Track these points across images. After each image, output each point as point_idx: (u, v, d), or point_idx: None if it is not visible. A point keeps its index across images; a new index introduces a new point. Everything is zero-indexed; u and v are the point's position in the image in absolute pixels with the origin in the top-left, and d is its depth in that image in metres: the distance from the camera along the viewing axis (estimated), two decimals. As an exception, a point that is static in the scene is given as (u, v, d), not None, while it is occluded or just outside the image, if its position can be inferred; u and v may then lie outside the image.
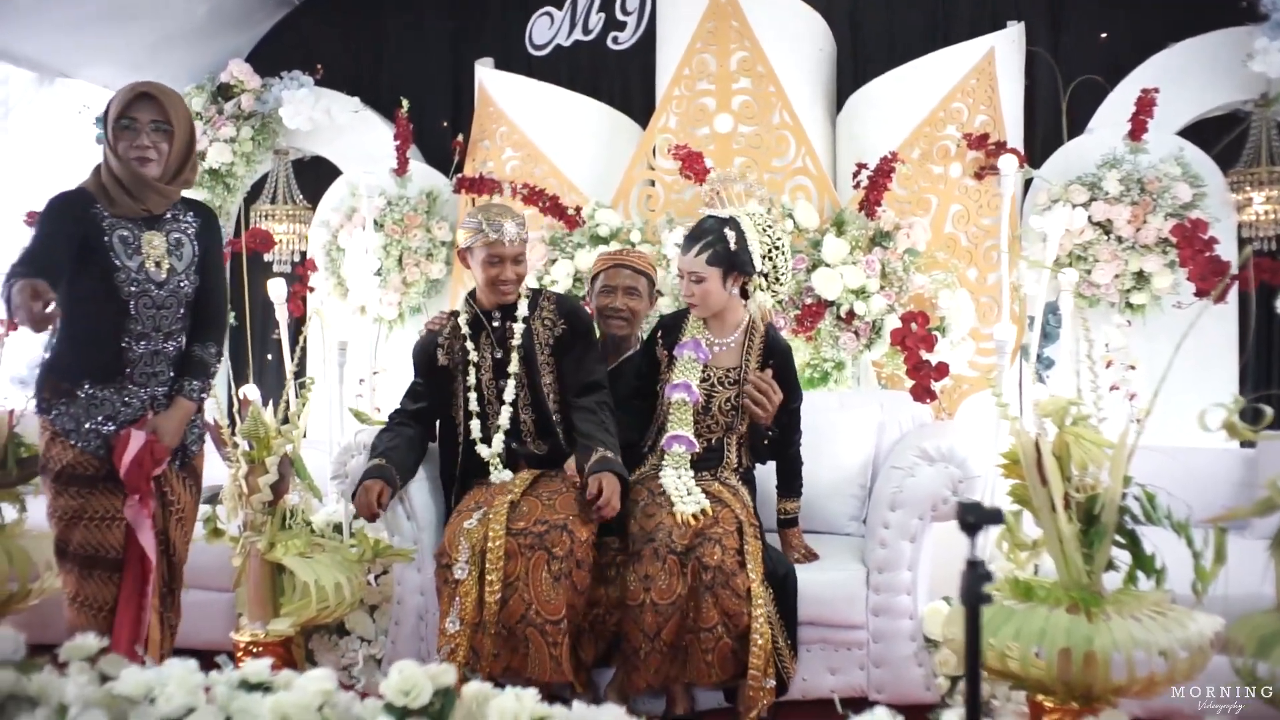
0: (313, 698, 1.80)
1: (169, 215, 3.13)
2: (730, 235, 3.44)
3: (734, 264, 3.45)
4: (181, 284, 3.11)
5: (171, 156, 3.07)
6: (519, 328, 3.54)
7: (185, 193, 3.22)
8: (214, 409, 3.56)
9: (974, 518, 1.56)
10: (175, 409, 3.13)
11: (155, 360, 3.10)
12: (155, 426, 3.07)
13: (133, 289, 3.02)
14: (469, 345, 3.57)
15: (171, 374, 3.15)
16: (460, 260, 3.59)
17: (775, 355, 3.55)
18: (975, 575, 1.55)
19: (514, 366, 3.53)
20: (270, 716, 1.77)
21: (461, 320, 3.61)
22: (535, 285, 3.81)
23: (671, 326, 3.65)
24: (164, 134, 3.05)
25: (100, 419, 3.03)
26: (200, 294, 3.19)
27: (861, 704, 3.43)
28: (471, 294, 3.63)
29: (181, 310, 3.13)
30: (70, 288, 3.00)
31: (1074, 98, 5.30)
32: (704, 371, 3.53)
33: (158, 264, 3.06)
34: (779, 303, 4.41)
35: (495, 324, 3.57)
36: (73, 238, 2.97)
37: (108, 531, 3.04)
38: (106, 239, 3.00)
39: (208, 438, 3.61)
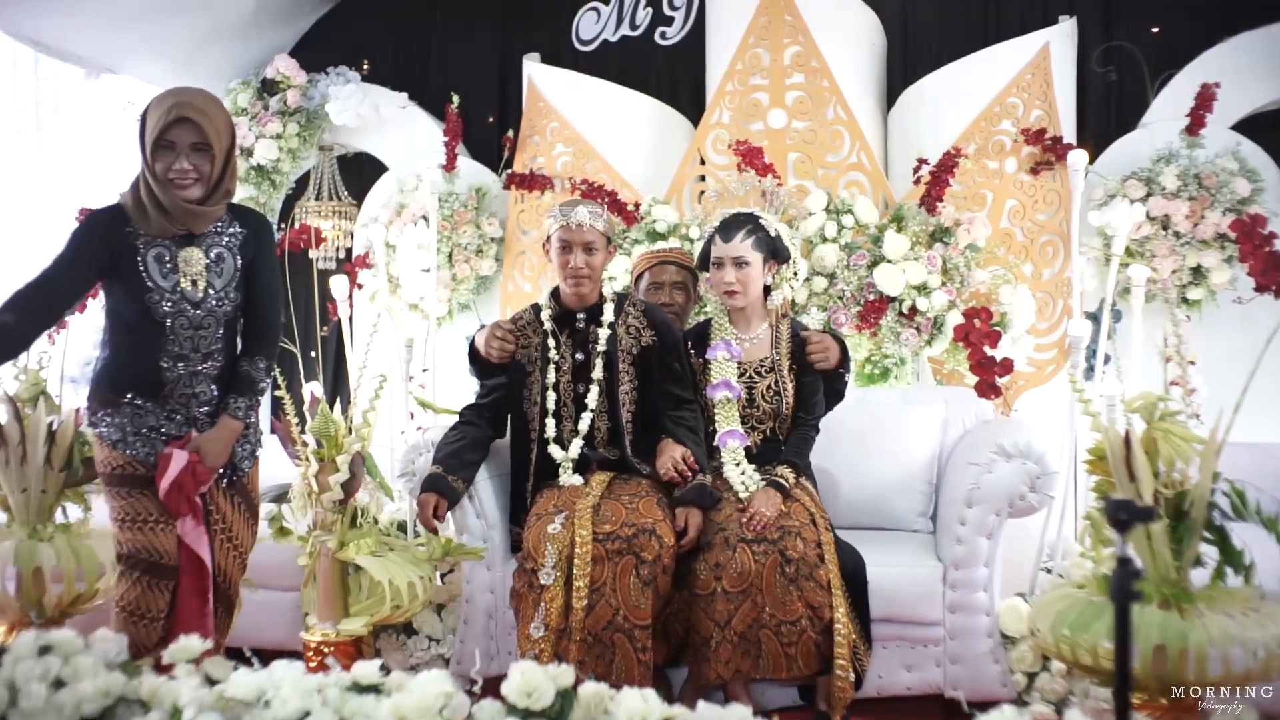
0: (434, 700, 1.79)
1: (211, 229, 2.99)
2: (767, 224, 3.54)
3: (774, 250, 3.55)
4: (221, 303, 2.98)
5: (213, 172, 2.93)
6: (604, 333, 3.50)
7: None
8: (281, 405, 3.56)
9: (1127, 515, 1.54)
10: (220, 428, 3.01)
11: (194, 381, 2.98)
12: (199, 446, 2.96)
13: (168, 308, 2.90)
14: (550, 343, 3.53)
15: (214, 392, 3.03)
16: (545, 254, 3.57)
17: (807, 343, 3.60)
18: (1125, 572, 1.53)
19: (597, 372, 3.49)
20: (389, 719, 1.76)
21: (544, 316, 3.56)
22: (620, 290, 3.77)
23: (699, 337, 3.68)
24: (204, 154, 2.89)
25: (145, 430, 2.95)
26: (248, 308, 3.08)
27: (936, 701, 3.43)
28: (554, 291, 3.59)
29: (221, 330, 3.00)
30: (109, 302, 2.95)
31: (1123, 92, 5.27)
32: (739, 368, 3.56)
33: (194, 283, 2.93)
34: (839, 298, 4.39)
35: (579, 325, 3.54)
36: (96, 259, 2.87)
37: (156, 535, 2.95)
38: (140, 258, 2.89)
39: (277, 438, 3.61)
